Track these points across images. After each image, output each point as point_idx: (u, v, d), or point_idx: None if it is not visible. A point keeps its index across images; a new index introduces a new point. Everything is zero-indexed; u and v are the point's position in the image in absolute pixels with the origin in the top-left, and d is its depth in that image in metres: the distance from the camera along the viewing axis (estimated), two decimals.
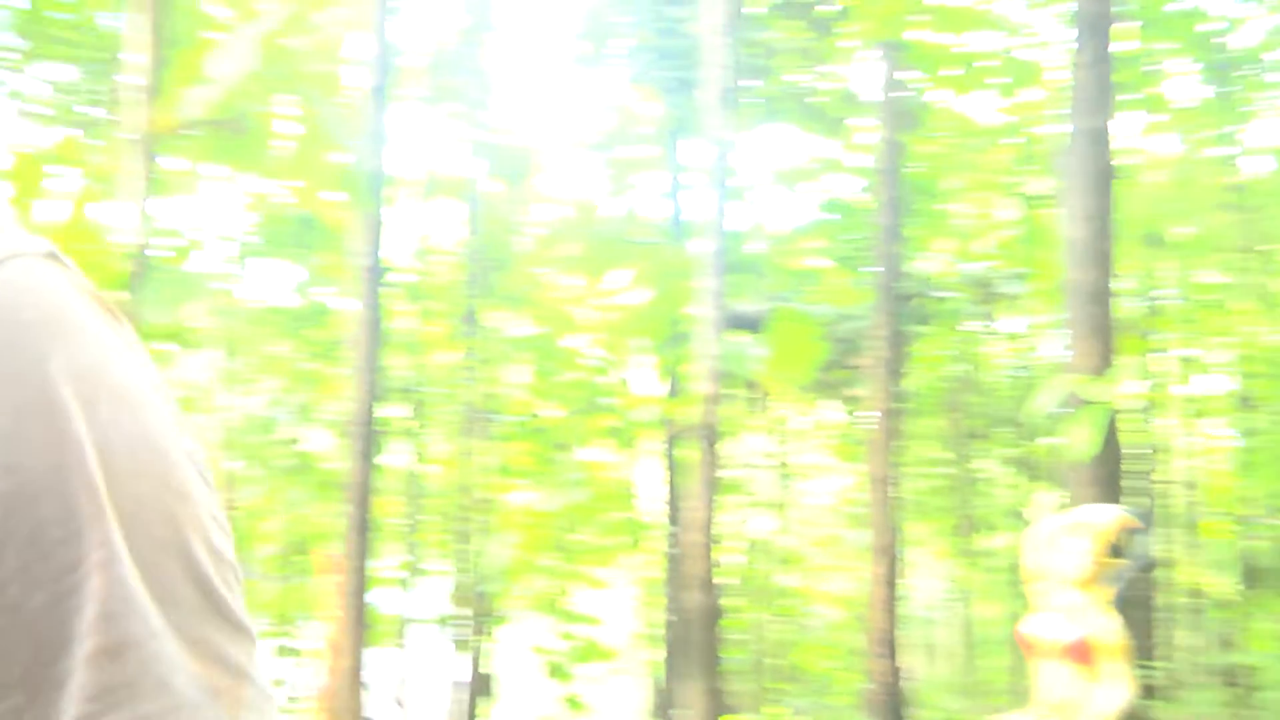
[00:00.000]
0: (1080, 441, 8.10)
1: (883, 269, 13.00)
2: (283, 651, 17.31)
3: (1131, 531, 5.94)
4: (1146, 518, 7.08)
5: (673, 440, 14.46)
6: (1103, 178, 8.82)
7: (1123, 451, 8.59)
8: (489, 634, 14.97)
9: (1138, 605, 8.22)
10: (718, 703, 9.59)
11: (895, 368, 13.04)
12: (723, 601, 10.31)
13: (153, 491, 0.70)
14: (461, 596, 14.53)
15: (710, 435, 9.45)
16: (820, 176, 17.34)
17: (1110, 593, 5.69)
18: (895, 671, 12.71)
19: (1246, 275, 15.68)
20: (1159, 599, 13.43)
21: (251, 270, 16.00)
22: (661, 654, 16.07)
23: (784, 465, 18.75)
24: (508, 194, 16.66)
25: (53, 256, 0.71)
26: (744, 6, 12.77)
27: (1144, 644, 8.80)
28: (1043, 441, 15.94)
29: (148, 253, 5.17)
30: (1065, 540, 5.84)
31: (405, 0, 15.80)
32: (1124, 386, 9.18)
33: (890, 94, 13.27)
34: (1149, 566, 7.42)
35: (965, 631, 20.13)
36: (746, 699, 14.65)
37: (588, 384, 16.54)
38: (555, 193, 17.36)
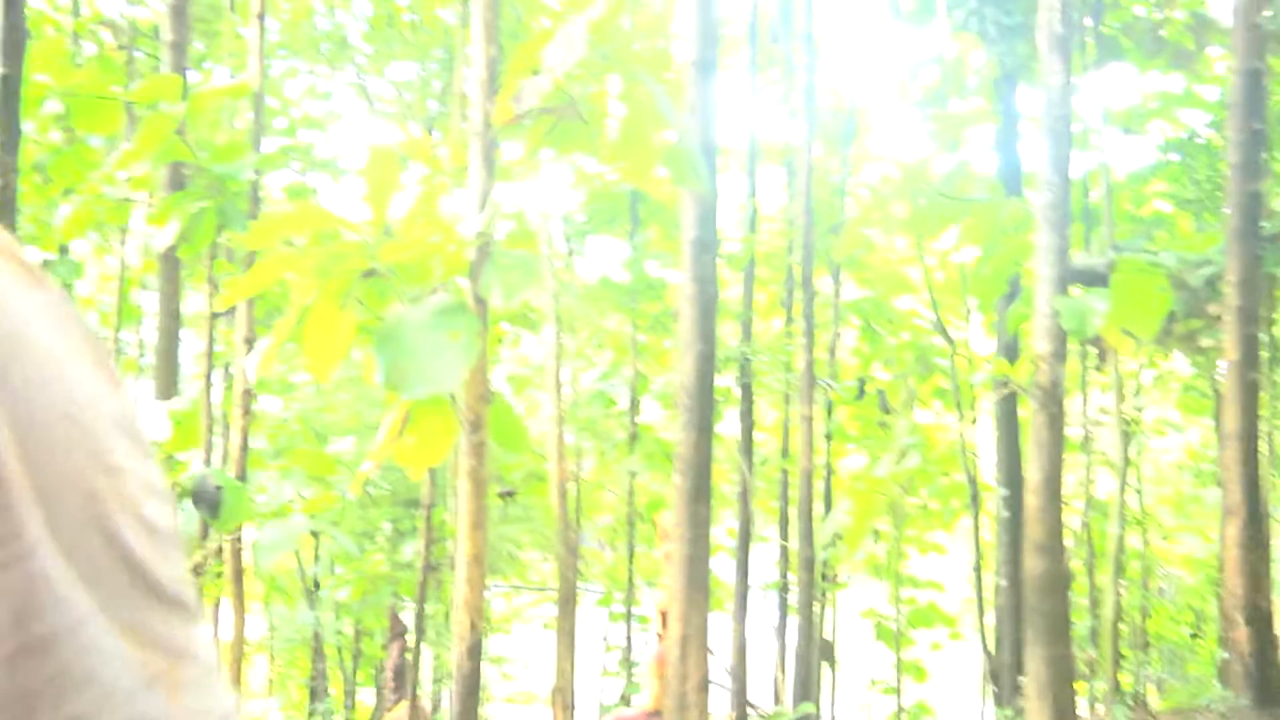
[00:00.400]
0: None
1: (1237, 210, 12.14)
2: (619, 618, 17.84)
3: None
4: None
5: (1010, 401, 14.02)
6: None
7: None
8: (825, 600, 14.98)
9: None
10: (1065, 670, 9.25)
11: (1251, 315, 12.17)
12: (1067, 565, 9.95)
13: (75, 466, 0.63)
14: (795, 563, 14.58)
15: (1050, 395, 9.09)
16: (1167, 115, 16.36)
17: None
18: (1260, 641, 11.90)
19: None
20: None
21: (582, 247, 16.51)
22: (995, 620, 15.69)
23: (1130, 422, 17.90)
24: (833, 156, 16.54)
25: None
26: None
27: None
28: None
29: (491, 240, 5.37)
30: None
31: None
32: None
33: (1250, 18, 12.30)
34: None
35: None
36: (1091, 667, 14.09)
37: (920, 345, 16.25)
38: (883, 152, 17.12)
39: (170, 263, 10.25)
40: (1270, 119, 13.28)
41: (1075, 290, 9.31)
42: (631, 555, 17.55)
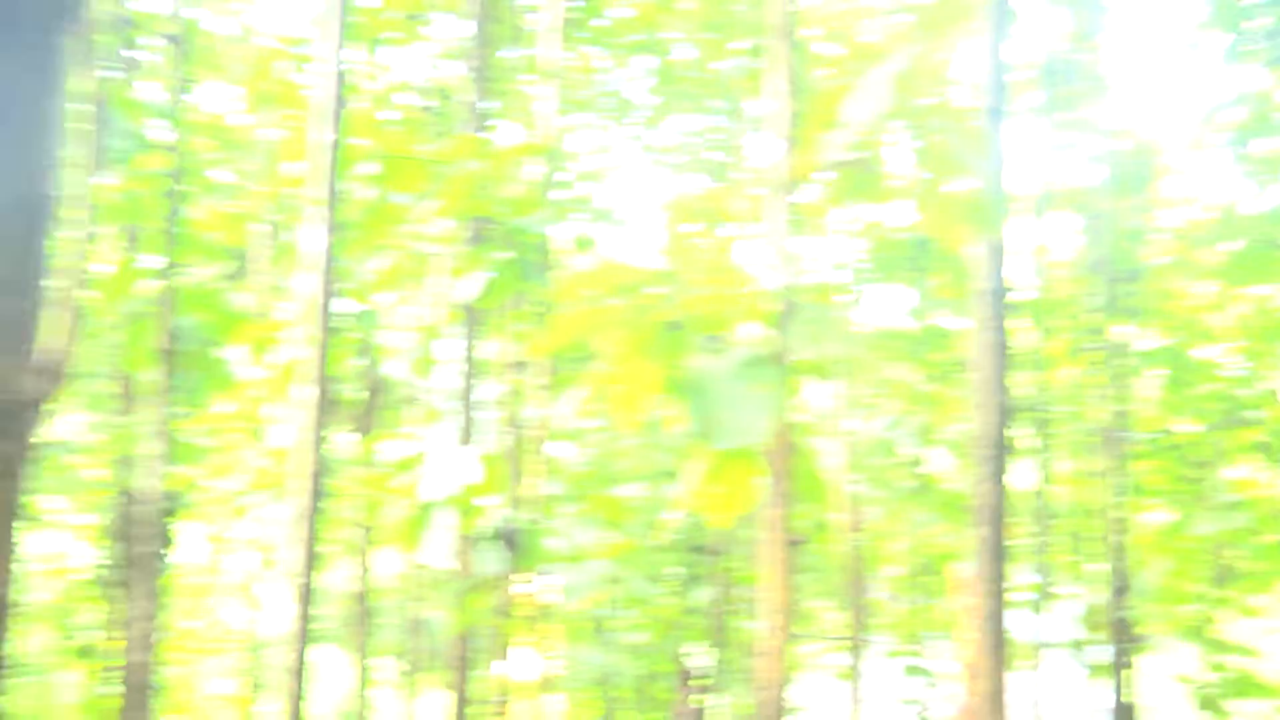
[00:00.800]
0: None
1: None
2: (913, 671, 17.49)
3: None
4: None
5: None
6: None
7: None
8: (1130, 661, 14.29)
9: None
10: None
11: None
12: None
13: None
14: (1096, 621, 13.96)
15: None
16: None
17: None
18: None
19: None
20: None
21: (868, 296, 16.41)
22: None
23: None
24: (1130, 200, 15.92)
25: None
26: None
27: None
28: None
29: (792, 292, 5.42)
30: None
31: (1015, 13, 15.55)
32: None
33: None
34: None
35: None
36: None
37: (1228, 396, 15.40)
38: (1184, 195, 16.36)
39: (470, 313, 10.76)
40: None
41: None
42: (921, 607, 17.21)
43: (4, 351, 3.40)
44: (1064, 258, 16.74)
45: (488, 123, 9.73)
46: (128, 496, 12.74)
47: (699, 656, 18.98)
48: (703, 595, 15.83)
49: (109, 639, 17.03)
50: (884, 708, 18.46)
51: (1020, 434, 14.42)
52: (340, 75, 7.12)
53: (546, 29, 10.51)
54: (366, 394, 12.97)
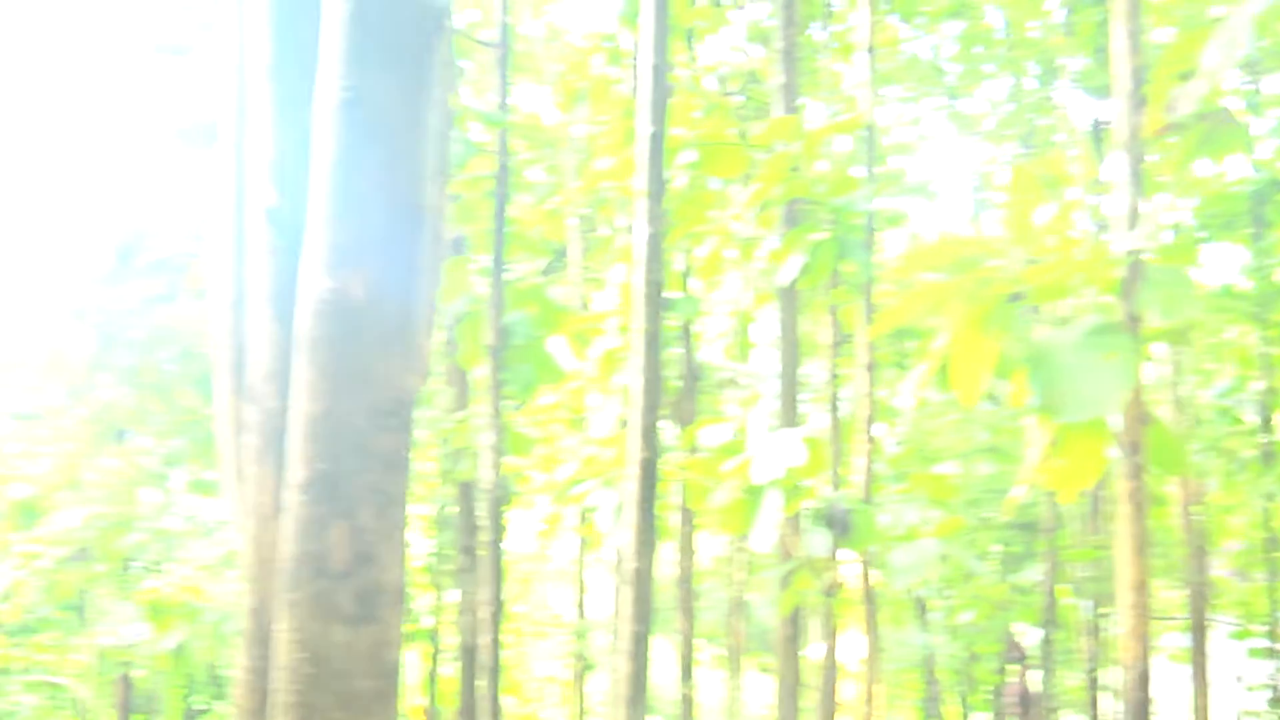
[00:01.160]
0: None
1: None
2: (1258, 653, 16.50)
3: None
4: None
5: None
6: None
7: None
8: None
9: None
10: None
11: None
12: None
13: None
14: None
15: None
16: None
17: None
18: None
19: None
20: None
21: (1205, 255, 15.50)
22: None
23: None
24: None
25: None
26: None
27: None
28: None
29: (1139, 255, 5.18)
30: None
31: None
32: None
33: None
34: None
35: None
36: None
37: None
38: None
39: (789, 295, 10.75)
40: None
41: None
42: (1267, 585, 16.20)
43: (393, 353, 3.62)
44: None
45: (798, 103, 9.71)
46: (465, 487, 13.37)
47: (1026, 636, 18.43)
48: (1032, 573, 15.36)
49: (444, 622, 17.91)
50: (1229, 692, 17.49)
51: None
52: (659, 67, 7.23)
53: (853, 3, 10.40)
54: (686, 380, 13.17)
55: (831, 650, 10.54)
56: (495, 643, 11.23)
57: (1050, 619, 15.38)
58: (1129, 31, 4.86)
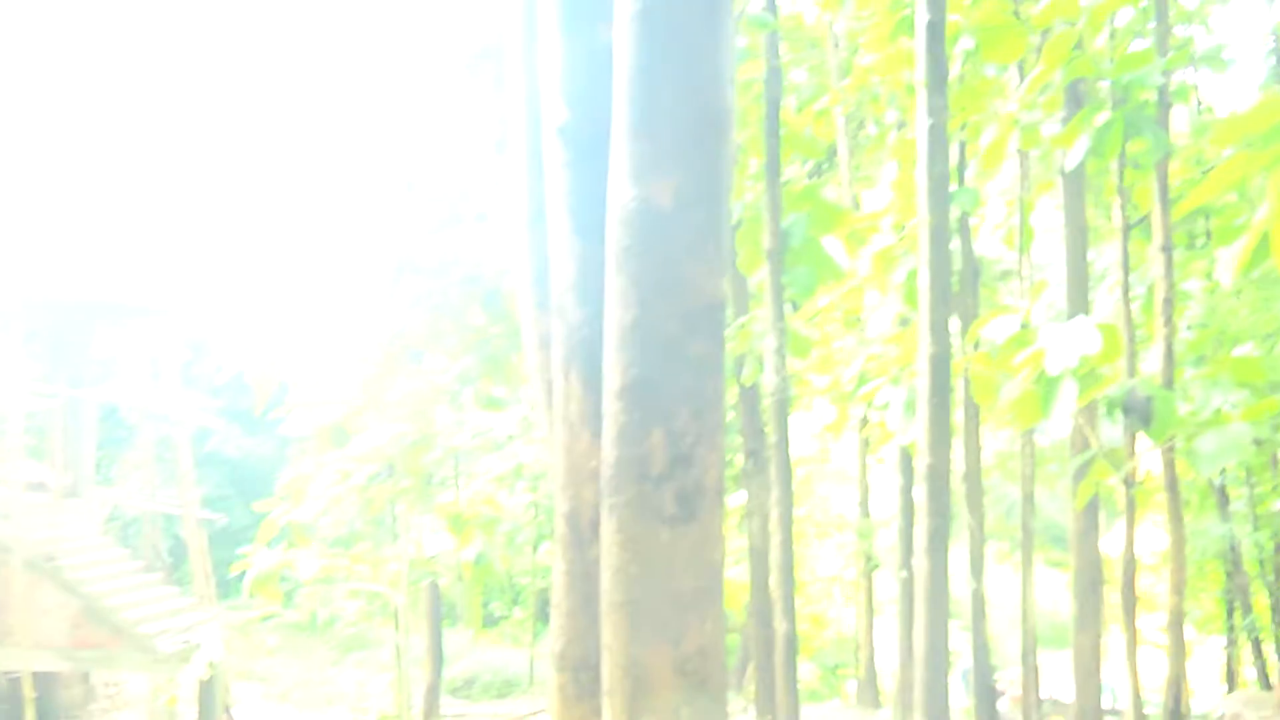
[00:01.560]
0: None
1: None
2: None
3: None
4: None
5: None
6: None
7: None
8: None
9: None
10: None
11: None
12: None
13: None
14: None
15: None
16: None
17: None
18: None
19: None
20: None
21: None
22: None
23: None
24: None
25: None
26: None
27: None
28: None
29: None
30: None
31: None
32: None
33: None
34: None
35: None
36: None
37: None
38: None
39: (1074, 179, 10.34)
40: None
41: None
42: None
43: (701, 258, 3.67)
44: None
45: None
46: (746, 391, 13.49)
47: None
48: None
49: (728, 526, 18.20)
50: None
51: None
52: None
53: None
54: (965, 273, 12.88)
55: (1130, 542, 10.23)
56: (787, 543, 11.37)
57: None
58: None
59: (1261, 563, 19.54)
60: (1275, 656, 20.08)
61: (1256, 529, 18.31)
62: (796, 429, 20.51)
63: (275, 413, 17.63)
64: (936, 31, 7.14)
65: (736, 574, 18.50)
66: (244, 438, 29.23)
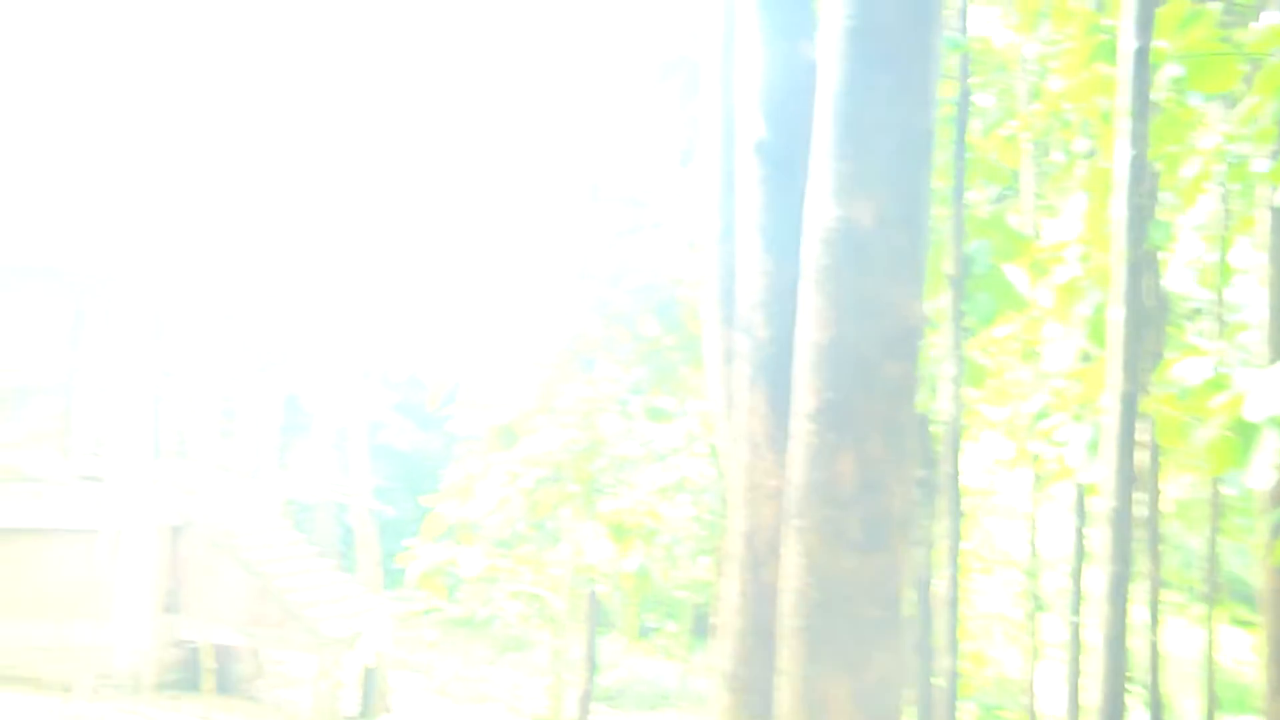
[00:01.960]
0: None
1: None
2: None
3: None
4: None
5: None
6: None
7: None
8: None
9: None
10: None
11: None
12: None
13: None
14: None
15: None
16: None
17: None
18: None
19: None
20: None
21: None
22: None
23: None
24: None
25: None
26: None
27: None
28: None
29: None
30: None
31: None
32: None
33: None
34: None
35: None
36: None
37: None
38: None
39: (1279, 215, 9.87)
40: None
41: None
42: None
43: (901, 280, 3.60)
44: None
45: None
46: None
47: None
48: None
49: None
50: None
51: None
52: None
53: None
54: (1153, 309, 12.44)
55: None
56: (954, 578, 11.10)
57: None
58: None
59: None
60: None
61: None
62: (965, 460, 20.06)
63: (445, 410, 17.98)
64: (1144, 58, 6.89)
65: None
66: (415, 432, 29.87)
